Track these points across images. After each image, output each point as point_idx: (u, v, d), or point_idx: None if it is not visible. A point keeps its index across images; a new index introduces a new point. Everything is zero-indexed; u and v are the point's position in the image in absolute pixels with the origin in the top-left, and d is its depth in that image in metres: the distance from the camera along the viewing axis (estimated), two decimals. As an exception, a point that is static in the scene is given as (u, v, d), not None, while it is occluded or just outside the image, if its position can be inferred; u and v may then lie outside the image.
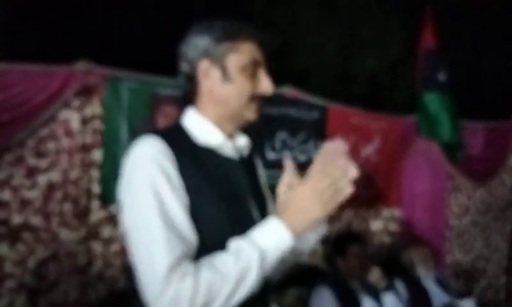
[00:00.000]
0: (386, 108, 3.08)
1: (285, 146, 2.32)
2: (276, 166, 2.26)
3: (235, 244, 0.74)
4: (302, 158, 2.37)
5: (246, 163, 0.90)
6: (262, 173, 0.98)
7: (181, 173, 0.76)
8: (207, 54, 0.84)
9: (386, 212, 2.79)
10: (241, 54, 0.84)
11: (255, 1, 4.51)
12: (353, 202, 2.55)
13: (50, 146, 1.84)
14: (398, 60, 4.30)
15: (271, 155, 2.27)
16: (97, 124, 1.90)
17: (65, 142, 1.85)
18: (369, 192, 2.66)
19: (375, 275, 2.11)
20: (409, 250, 2.53)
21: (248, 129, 2.40)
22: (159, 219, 0.71)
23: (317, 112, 2.43)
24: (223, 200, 0.80)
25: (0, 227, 1.74)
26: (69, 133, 1.86)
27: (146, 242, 0.70)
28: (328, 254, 2.39)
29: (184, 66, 0.86)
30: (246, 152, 0.92)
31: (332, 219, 2.53)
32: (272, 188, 2.54)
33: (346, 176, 0.73)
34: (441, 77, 2.75)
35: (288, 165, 0.84)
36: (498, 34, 4.83)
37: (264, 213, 0.89)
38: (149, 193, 0.72)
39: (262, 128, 2.23)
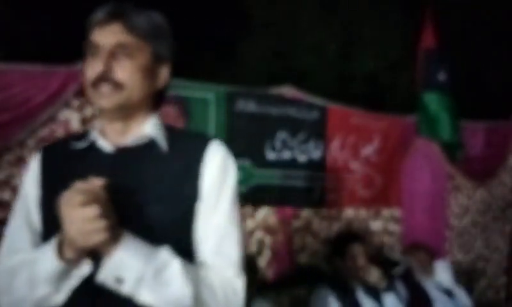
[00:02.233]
0: (386, 108, 3.09)
1: (285, 146, 2.33)
2: (276, 166, 2.28)
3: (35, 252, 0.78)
4: (302, 158, 2.38)
5: (137, 161, 0.79)
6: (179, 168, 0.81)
7: (44, 180, 0.82)
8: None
9: (386, 212, 2.80)
10: (87, 42, 0.80)
11: (255, 1, 4.52)
12: (353, 202, 2.58)
13: (51, 146, 1.86)
14: (398, 60, 4.31)
15: (271, 155, 2.28)
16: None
17: (65, 142, 1.85)
18: (369, 192, 2.67)
19: (375, 275, 2.11)
20: (407, 255, 2.53)
21: (247, 129, 2.37)
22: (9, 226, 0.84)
23: (317, 112, 2.44)
24: None
25: (0, 226, 1.77)
26: (69, 133, 1.87)
27: None
28: (328, 255, 2.40)
29: None
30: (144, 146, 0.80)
31: (332, 218, 2.54)
32: (273, 188, 2.50)
33: (90, 223, 0.66)
34: (441, 77, 2.76)
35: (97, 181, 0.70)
36: (499, 34, 4.84)
37: (150, 209, 0.76)
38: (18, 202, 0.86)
39: (262, 128, 2.24)
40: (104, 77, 0.77)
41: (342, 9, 4.43)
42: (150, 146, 0.81)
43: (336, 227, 2.54)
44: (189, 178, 0.80)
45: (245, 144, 2.18)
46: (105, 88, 0.77)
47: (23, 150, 1.80)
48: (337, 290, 2.04)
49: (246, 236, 2.23)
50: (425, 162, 2.86)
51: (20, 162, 1.79)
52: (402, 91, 4.15)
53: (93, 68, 0.78)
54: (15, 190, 1.79)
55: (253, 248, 2.24)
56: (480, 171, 3.17)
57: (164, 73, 0.85)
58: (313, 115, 2.42)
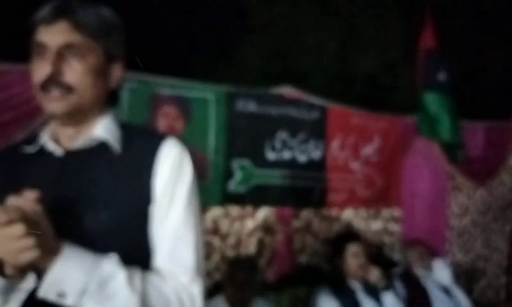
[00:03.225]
0: (386, 108, 3.10)
1: (285, 146, 2.33)
2: (276, 166, 2.28)
3: None
4: (302, 158, 2.39)
5: (87, 164, 0.77)
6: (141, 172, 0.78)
7: None
8: None
9: (386, 212, 2.81)
10: (32, 42, 0.75)
11: (255, 2, 4.53)
12: (353, 202, 2.58)
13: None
14: (397, 60, 4.32)
15: (271, 155, 2.28)
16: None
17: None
18: (369, 192, 2.67)
19: (374, 274, 2.11)
20: (405, 250, 2.55)
21: (247, 129, 2.37)
22: None
23: (317, 112, 2.44)
24: None
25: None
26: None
27: None
28: (328, 254, 2.40)
29: None
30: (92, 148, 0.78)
31: (332, 218, 2.54)
32: (273, 188, 2.50)
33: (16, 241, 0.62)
34: (441, 77, 2.75)
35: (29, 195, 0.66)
36: (499, 34, 4.84)
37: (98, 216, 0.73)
38: None
39: (262, 128, 2.24)
40: (53, 80, 0.72)
41: (342, 10, 4.44)
42: (101, 148, 0.77)
43: (336, 227, 2.54)
44: (142, 179, 0.76)
45: (245, 144, 2.18)
46: (54, 92, 0.73)
47: (23, 150, 1.81)
48: (337, 290, 2.05)
49: (246, 236, 2.22)
50: (425, 162, 2.86)
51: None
52: (402, 91, 4.16)
53: (40, 70, 0.73)
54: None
55: (253, 248, 2.23)
56: (481, 171, 3.17)
57: (117, 72, 0.81)
58: (313, 115, 2.42)
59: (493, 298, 3.25)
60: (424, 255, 2.44)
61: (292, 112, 2.35)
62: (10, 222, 0.61)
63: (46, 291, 0.66)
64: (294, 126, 2.33)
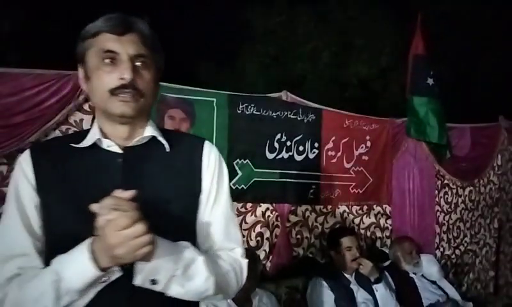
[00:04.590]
0: (377, 111, 3.19)
1: (282, 146, 2.39)
2: (274, 165, 2.36)
3: (52, 262, 0.73)
4: (298, 158, 2.46)
5: (144, 160, 0.84)
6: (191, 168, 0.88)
7: (38, 179, 0.79)
8: (78, 60, 0.84)
9: (378, 209, 2.88)
10: (94, 48, 0.80)
11: (254, 12, 4.64)
12: (346, 199, 2.66)
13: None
14: (388, 66, 4.45)
15: (270, 156, 2.34)
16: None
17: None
18: (361, 191, 2.73)
19: (367, 267, 2.18)
20: (393, 246, 2.62)
21: (248, 131, 2.44)
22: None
23: (313, 115, 2.50)
24: (75, 198, 0.77)
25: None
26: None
27: None
28: (323, 248, 2.49)
29: None
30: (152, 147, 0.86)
31: (326, 214, 2.63)
32: (271, 186, 2.57)
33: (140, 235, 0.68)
34: (430, 82, 2.82)
35: (119, 193, 0.71)
36: (485, 41, 4.99)
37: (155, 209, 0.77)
38: (6, 201, 0.82)
39: (261, 130, 2.30)
40: (129, 85, 0.79)
41: (336, 19, 4.56)
42: (153, 146, 0.86)
43: (330, 222, 2.61)
44: (192, 173, 0.87)
45: (246, 145, 2.22)
46: (128, 96, 0.79)
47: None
48: (331, 281, 2.12)
49: (247, 230, 2.27)
50: (414, 162, 2.95)
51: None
52: (392, 96, 4.28)
53: (112, 76, 0.79)
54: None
55: (254, 242, 2.29)
56: (469, 171, 3.24)
57: (159, 83, 0.89)
58: (309, 118, 2.48)
59: (482, 291, 3.34)
60: (409, 250, 2.50)
61: (289, 115, 2.41)
62: (131, 224, 0.67)
63: (143, 280, 0.72)
64: (291, 129, 2.40)
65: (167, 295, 0.76)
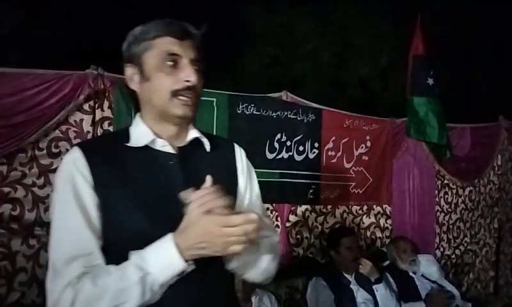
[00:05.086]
0: (377, 111, 3.20)
1: (282, 146, 2.40)
2: (274, 166, 2.37)
3: (132, 258, 0.75)
4: (299, 158, 2.47)
5: (194, 160, 0.88)
6: (234, 168, 0.97)
7: (95, 177, 0.79)
8: (128, 60, 0.87)
9: (378, 209, 2.89)
10: (155, 50, 0.83)
11: (255, 13, 4.65)
12: (346, 200, 2.67)
13: (62, 147, 1.92)
14: (388, 66, 4.46)
15: (270, 156, 2.36)
16: (107, 126, 1.97)
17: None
18: (361, 191, 2.74)
19: (367, 267, 2.19)
20: (390, 245, 2.62)
21: (248, 131, 2.45)
22: (56, 221, 0.80)
23: (313, 115, 2.51)
24: (138, 197, 0.79)
25: (13, 223, 1.79)
26: (80, 135, 1.92)
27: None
28: (323, 248, 2.50)
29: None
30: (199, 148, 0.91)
31: (326, 214, 2.63)
32: (272, 186, 2.57)
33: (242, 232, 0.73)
34: (430, 81, 2.83)
35: (208, 182, 0.77)
36: (486, 42, 4.99)
37: None
38: (61, 200, 0.81)
39: (262, 130, 2.31)
40: (192, 88, 0.83)
41: (336, 19, 4.57)
42: (198, 147, 0.92)
43: (330, 222, 2.62)
44: (230, 173, 0.96)
45: (246, 145, 2.24)
46: (190, 98, 0.83)
47: (35, 151, 1.84)
48: (331, 281, 2.13)
49: None
50: (414, 162, 2.96)
51: (33, 162, 1.83)
52: (392, 96, 4.28)
53: (175, 78, 0.82)
54: (27, 188, 1.86)
55: None
56: (469, 171, 3.25)
57: None
58: (309, 118, 2.49)
59: (482, 291, 3.34)
60: (406, 249, 2.50)
61: (290, 115, 2.42)
62: (247, 222, 0.72)
63: (238, 265, 0.84)
64: (291, 129, 2.41)
65: (229, 283, 0.90)
